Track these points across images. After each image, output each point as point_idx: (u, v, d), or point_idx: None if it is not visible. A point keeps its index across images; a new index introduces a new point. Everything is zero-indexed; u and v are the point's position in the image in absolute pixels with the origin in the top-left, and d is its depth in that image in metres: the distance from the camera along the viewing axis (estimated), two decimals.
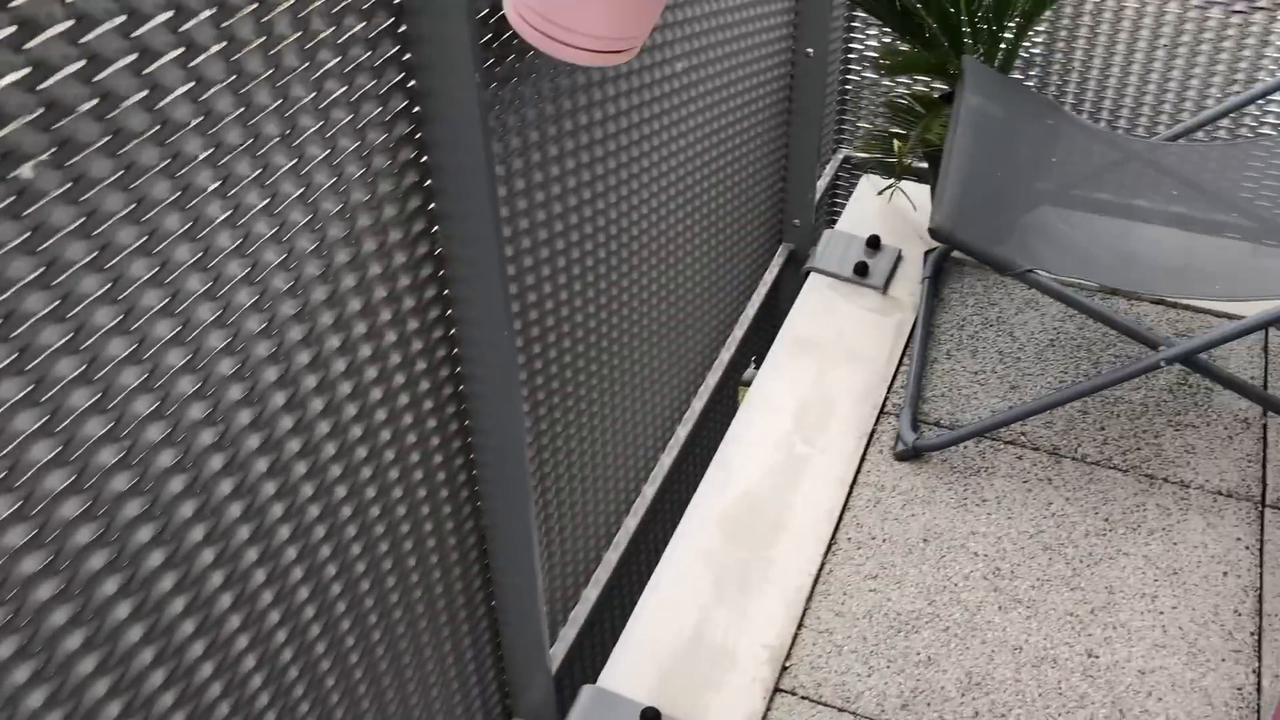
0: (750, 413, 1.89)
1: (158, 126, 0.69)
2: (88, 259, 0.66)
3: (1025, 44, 2.12)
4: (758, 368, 2.24)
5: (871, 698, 1.48)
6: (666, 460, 1.82)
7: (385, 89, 0.91)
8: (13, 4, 0.58)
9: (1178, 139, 2.04)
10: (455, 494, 1.18)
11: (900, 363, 2.00)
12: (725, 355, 2.05)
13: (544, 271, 1.24)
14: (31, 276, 0.62)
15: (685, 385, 1.89)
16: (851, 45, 2.35)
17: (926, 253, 2.22)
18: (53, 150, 0.62)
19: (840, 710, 1.47)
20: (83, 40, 0.62)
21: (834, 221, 2.56)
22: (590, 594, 1.59)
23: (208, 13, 0.71)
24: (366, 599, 1.05)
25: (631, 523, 1.71)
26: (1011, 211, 1.85)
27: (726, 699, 1.47)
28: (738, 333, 2.09)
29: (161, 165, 0.70)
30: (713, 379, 1.99)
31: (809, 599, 1.60)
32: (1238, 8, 1.92)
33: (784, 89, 2.03)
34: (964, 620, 1.56)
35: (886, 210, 2.31)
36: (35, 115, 0.60)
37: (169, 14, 0.68)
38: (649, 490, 1.76)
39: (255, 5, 0.75)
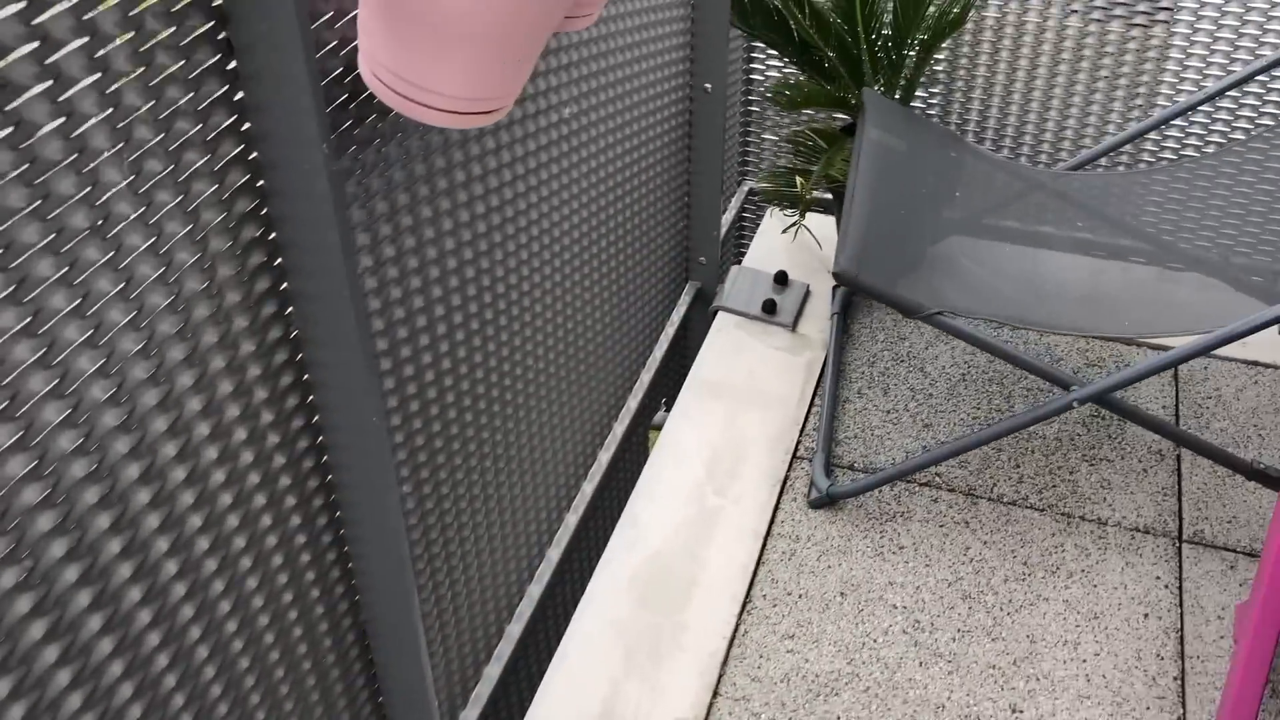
0: (660, 463, 1.81)
1: None
2: None
3: (925, 75, 2.09)
4: (668, 410, 2.17)
5: None
6: (572, 519, 1.74)
7: (221, 164, 0.82)
8: None
9: (1080, 168, 2.02)
10: (329, 592, 1.08)
11: (812, 403, 1.95)
12: (632, 402, 1.97)
13: (422, 341, 1.15)
14: None
15: (590, 438, 1.81)
16: (753, 76, 2.30)
17: (835, 287, 2.17)
18: None
19: None
20: None
21: (742, 253, 2.50)
22: (493, 671, 1.49)
23: None
24: (229, 714, 0.95)
25: (536, 589, 1.62)
26: (917, 249, 1.80)
27: None
28: (645, 377, 2.02)
29: None
30: (620, 428, 1.92)
31: (724, 664, 1.52)
32: (1137, 20, 1.90)
33: (683, 125, 1.96)
34: (884, 679, 1.50)
35: (794, 244, 2.26)
36: None
37: None
38: (554, 553, 1.68)
39: (50, 83, 0.66)
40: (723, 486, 1.78)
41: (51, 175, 0.67)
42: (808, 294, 2.17)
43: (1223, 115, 2.03)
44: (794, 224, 1.94)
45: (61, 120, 0.67)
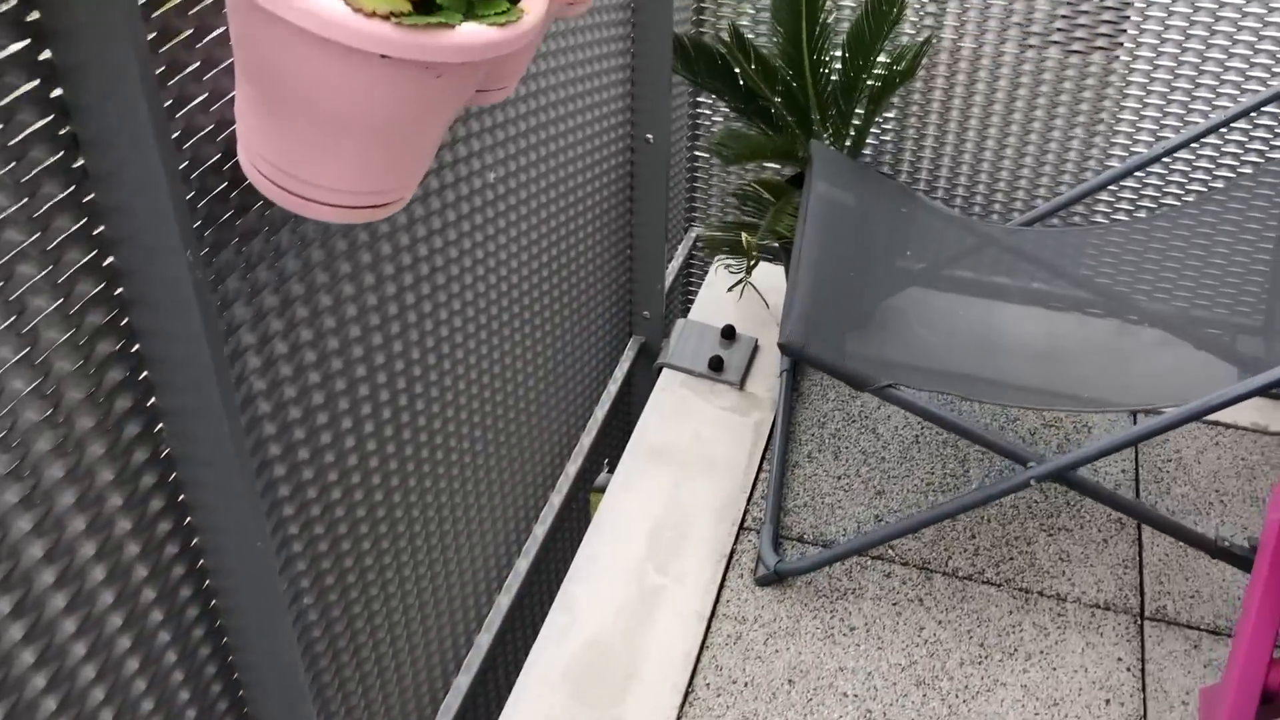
0: (598, 538, 1.71)
1: None
2: None
3: (875, 126, 2.01)
4: (611, 471, 2.08)
5: None
6: (505, 600, 1.63)
7: (68, 274, 0.72)
8: None
9: (1034, 223, 1.95)
10: None
11: (760, 468, 1.86)
12: (571, 468, 1.87)
13: (323, 439, 1.05)
14: None
15: (524, 511, 1.71)
16: (699, 121, 2.22)
17: (785, 301, 2.08)
18: None
19: None
20: None
21: (690, 302, 2.42)
22: None
23: None
24: None
25: (464, 680, 1.51)
26: (866, 313, 1.72)
27: None
28: (585, 441, 1.92)
29: None
30: (557, 498, 1.82)
31: None
32: (1075, 47, 1.84)
33: (624, 177, 1.87)
34: None
35: (741, 296, 2.18)
36: None
37: None
38: (484, 638, 1.57)
39: None
40: (665, 563, 1.68)
41: None
42: (756, 349, 2.09)
43: (1178, 171, 1.97)
44: (739, 282, 1.85)
45: None
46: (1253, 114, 1.82)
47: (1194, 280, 1.99)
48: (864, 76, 1.86)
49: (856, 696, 1.51)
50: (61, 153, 0.69)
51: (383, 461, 1.18)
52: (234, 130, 0.83)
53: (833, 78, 1.92)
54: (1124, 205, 2.04)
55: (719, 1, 2.05)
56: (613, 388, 2.02)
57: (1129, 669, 1.55)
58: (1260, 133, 1.89)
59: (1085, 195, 1.92)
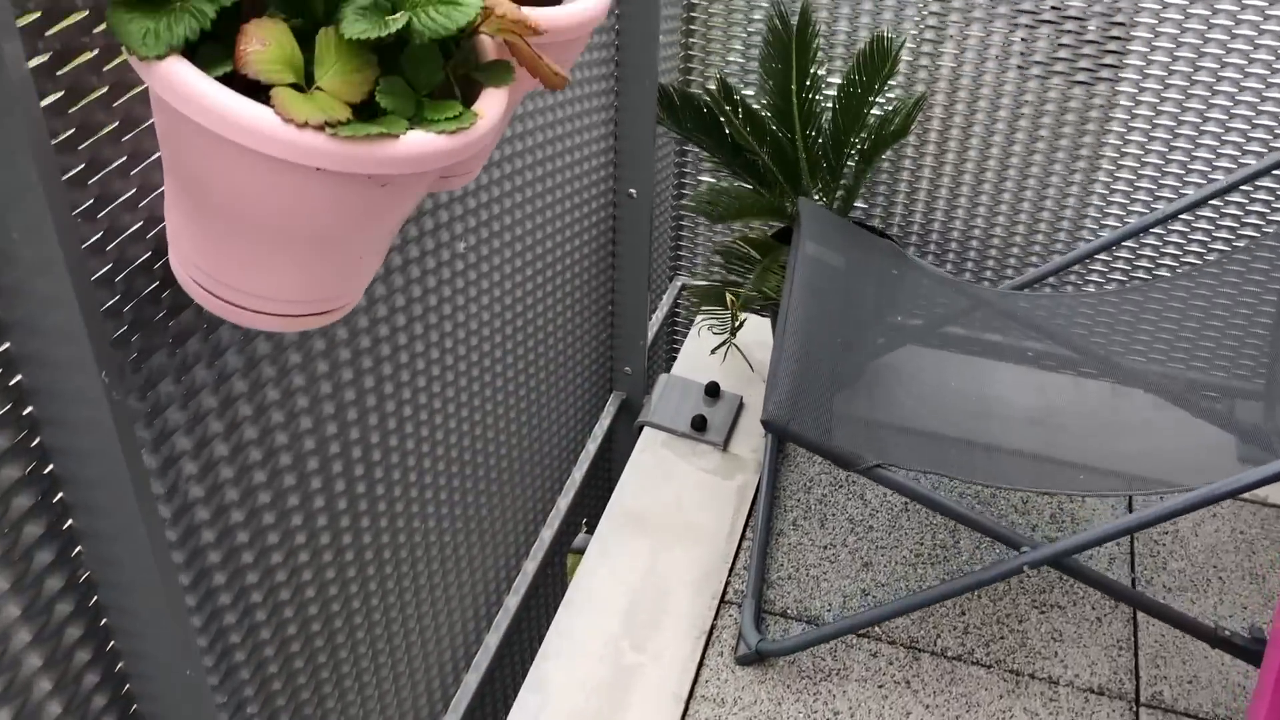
0: (573, 613, 1.64)
1: None
2: None
3: (866, 183, 1.95)
4: (590, 532, 2.01)
5: None
6: (472, 679, 1.56)
7: None
8: None
9: (1026, 287, 1.89)
10: None
11: (743, 536, 1.79)
12: (547, 534, 1.80)
13: (269, 539, 0.98)
14: None
15: (496, 582, 1.64)
16: (685, 173, 2.16)
17: (769, 373, 2.02)
18: None
19: None
20: None
21: (674, 354, 2.35)
22: None
23: None
24: None
25: None
26: (854, 380, 1.66)
27: None
28: (562, 504, 1.85)
29: None
30: (531, 565, 1.74)
31: None
32: (1079, 78, 1.79)
33: (607, 232, 1.81)
34: None
35: (725, 359, 2.11)
36: None
37: None
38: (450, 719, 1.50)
39: None
40: (642, 640, 1.61)
41: None
42: (741, 407, 2.02)
43: (1174, 238, 1.92)
44: (723, 343, 1.79)
45: None
46: (1252, 181, 1.76)
47: (1190, 344, 1.94)
48: (855, 132, 1.80)
49: None
50: None
51: (338, 553, 1.11)
52: (165, 226, 0.77)
53: (823, 133, 1.86)
54: (1119, 271, 1.99)
55: (707, 50, 2.00)
56: (592, 446, 1.95)
57: None
58: (1257, 206, 1.84)
59: (1079, 260, 1.86)
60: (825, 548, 1.77)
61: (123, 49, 0.60)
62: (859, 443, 1.49)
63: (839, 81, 1.90)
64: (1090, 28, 1.76)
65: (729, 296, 1.72)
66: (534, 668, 1.56)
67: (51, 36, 0.65)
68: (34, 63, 0.64)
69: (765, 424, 1.38)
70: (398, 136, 0.61)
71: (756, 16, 1.92)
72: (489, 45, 0.71)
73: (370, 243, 0.72)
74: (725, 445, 1.94)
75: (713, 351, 1.84)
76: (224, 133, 0.59)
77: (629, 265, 1.88)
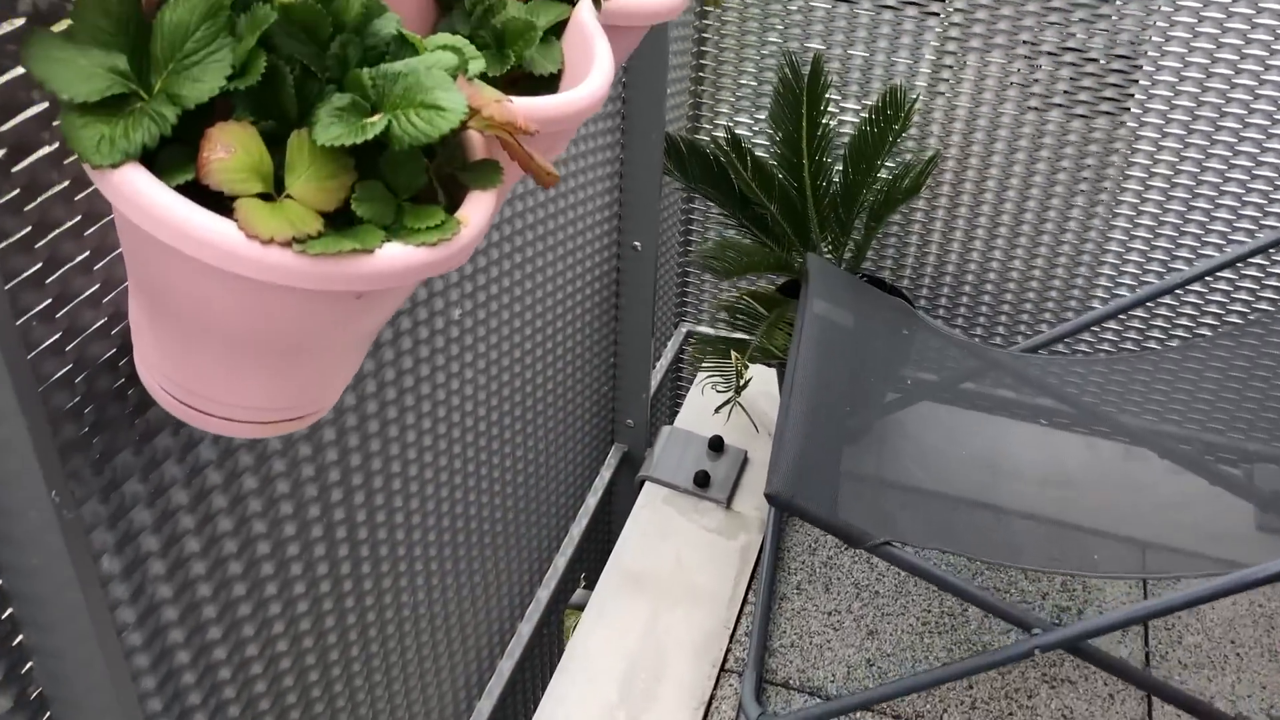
0: (568, 679, 1.59)
1: None
2: None
3: (875, 238, 1.91)
4: (588, 588, 1.96)
5: None
6: None
7: None
8: None
9: (1037, 350, 1.84)
10: None
11: (746, 599, 1.74)
12: (544, 594, 1.75)
13: (245, 631, 0.93)
14: None
15: (490, 647, 1.59)
16: (691, 221, 2.11)
17: (773, 443, 1.97)
18: None
19: None
20: None
21: (679, 400, 2.31)
22: None
23: None
24: None
25: None
26: (861, 451, 1.61)
27: None
28: (560, 562, 1.80)
29: None
30: (526, 627, 1.69)
31: None
32: (1079, 111, 1.74)
33: (610, 285, 1.77)
34: None
35: (729, 419, 2.06)
36: None
37: None
38: None
39: None
40: (638, 710, 1.55)
41: None
42: (745, 462, 1.97)
43: (1190, 304, 1.87)
44: (728, 403, 1.75)
45: None
46: (1271, 250, 1.71)
47: (1208, 406, 1.88)
48: (866, 187, 1.76)
49: None
50: None
51: (319, 637, 1.06)
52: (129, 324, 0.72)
53: (833, 187, 1.82)
54: (1132, 336, 1.93)
55: (716, 99, 1.96)
56: (591, 501, 1.90)
57: None
58: (1279, 269, 1.79)
59: (1092, 324, 1.81)
60: (830, 614, 1.72)
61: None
62: (866, 516, 1.43)
63: (851, 133, 1.85)
64: (1109, 84, 1.72)
65: (734, 354, 1.67)
66: None
67: (6, 131, 0.60)
68: None
69: (770, 498, 1.33)
70: (373, 251, 0.57)
71: (767, 66, 1.88)
72: (477, 140, 0.67)
73: (348, 349, 0.67)
74: (728, 503, 1.89)
75: (717, 410, 1.79)
76: (182, 249, 0.54)
77: (632, 317, 1.83)
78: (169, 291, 0.61)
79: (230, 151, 0.56)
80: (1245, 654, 1.68)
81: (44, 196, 0.63)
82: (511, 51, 0.80)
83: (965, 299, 1.98)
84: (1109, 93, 1.72)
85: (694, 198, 2.07)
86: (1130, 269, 1.85)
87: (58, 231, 0.65)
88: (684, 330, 2.27)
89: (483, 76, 0.70)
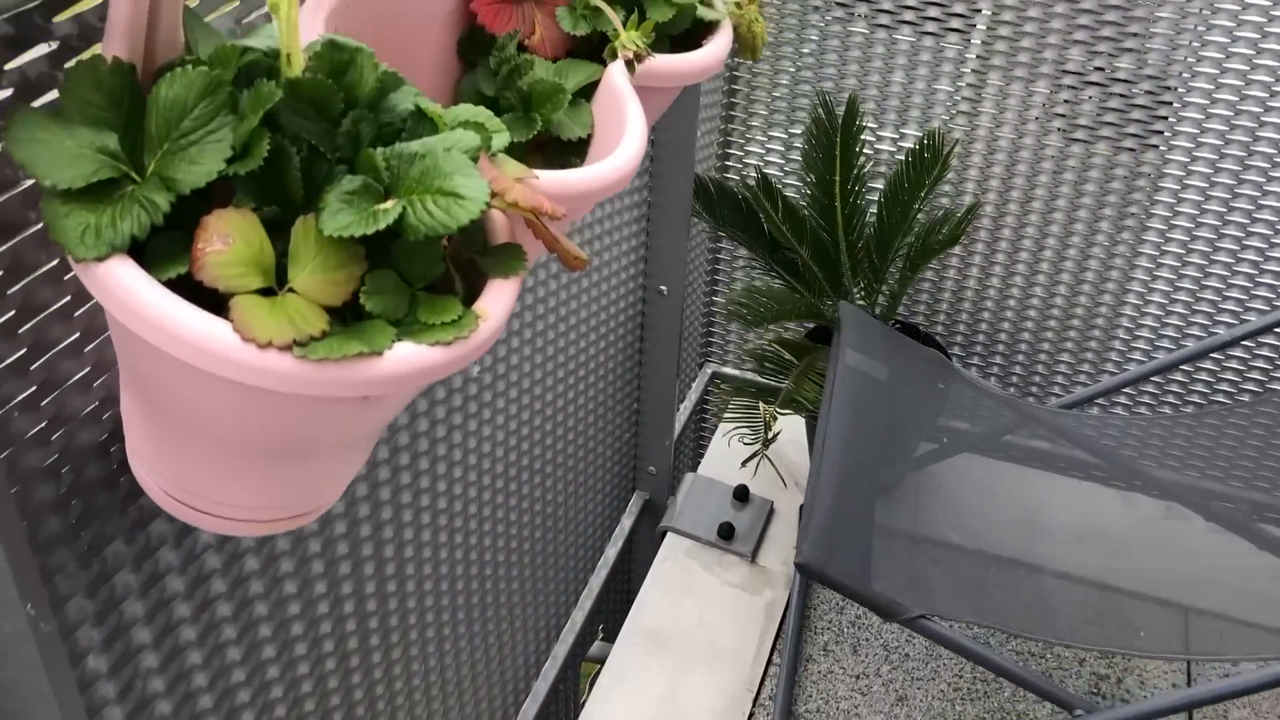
0: None
1: None
2: None
3: (910, 289, 1.84)
4: (606, 639, 1.90)
5: None
6: None
7: None
8: None
9: (1075, 406, 1.78)
10: None
11: (770, 660, 1.67)
12: (560, 649, 1.69)
13: (244, 718, 0.88)
14: None
15: (503, 706, 1.53)
16: (719, 265, 2.06)
17: (803, 507, 1.90)
18: None
19: None
20: None
21: (702, 444, 2.25)
22: None
23: None
24: None
25: None
26: (896, 509, 1.55)
27: None
28: (578, 616, 1.74)
29: None
30: (542, 685, 1.63)
31: None
32: (1127, 144, 1.67)
33: (635, 329, 1.71)
34: None
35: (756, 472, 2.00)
36: None
37: None
38: None
39: None
40: None
41: None
42: (771, 513, 1.91)
43: (1233, 365, 1.80)
44: (755, 456, 1.68)
45: None
46: None
47: (1252, 465, 1.81)
48: (901, 233, 1.70)
49: None
50: None
51: (324, 716, 1.01)
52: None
53: (867, 229, 1.76)
54: (1172, 395, 1.86)
55: (746, 137, 1.90)
56: (611, 552, 1.84)
57: None
58: None
59: (1131, 382, 1.74)
60: (857, 677, 1.65)
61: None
62: (900, 581, 1.37)
63: (886, 175, 1.80)
64: (1155, 134, 1.65)
65: (762, 407, 1.61)
66: None
67: None
68: None
69: (800, 567, 1.27)
70: (380, 354, 0.51)
71: (800, 105, 1.83)
72: (499, 220, 0.61)
73: (354, 447, 0.62)
74: (753, 556, 1.83)
75: (744, 464, 1.73)
76: (172, 352, 0.49)
77: (657, 362, 1.77)
78: (160, 390, 0.55)
79: (228, 243, 0.51)
80: None
81: (29, 278, 0.58)
82: (538, 115, 0.75)
83: (1000, 350, 1.91)
84: (1150, 125, 1.66)
85: (721, 237, 2.01)
86: (1172, 326, 1.78)
87: (44, 315, 0.60)
88: (709, 371, 2.22)
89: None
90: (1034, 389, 1.93)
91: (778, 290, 1.77)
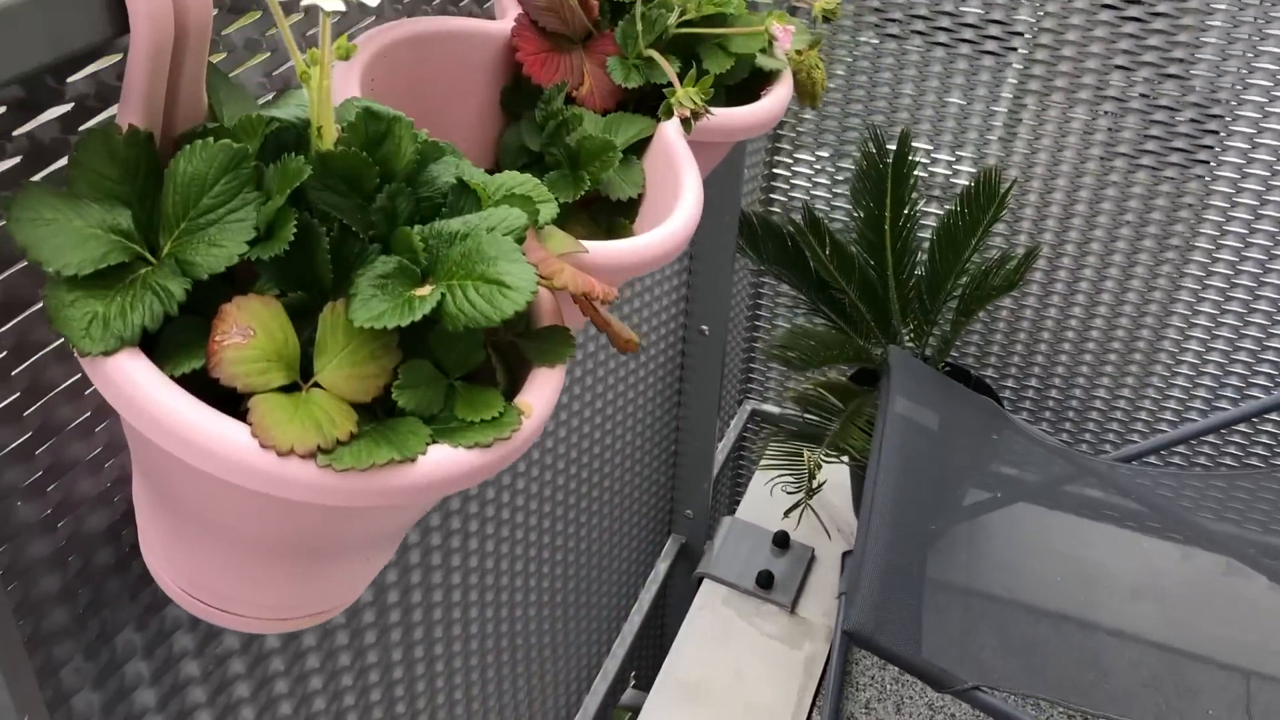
0: None
1: None
2: None
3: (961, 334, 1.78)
4: (639, 687, 1.84)
5: None
6: None
7: None
8: None
9: (1129, 460, 1.70)
10: None
11: (810, 717, 1.60)
12: (591, 703, 1.63)
13: None
14: None
15: None
16: (760, 298, 2.00)
17: (845, 554, 1.84)
18: None
19: None
20: None
21: (740, 487, 2.18)
22: None
23: None
24: None
25: None
26: (948, 562, 1.48)
27: None
28: (610, 665, 1.68)
29: None
30: None
31: None
32: (1168, 173, 1.60)
33: (674, 370, 1.66)
34: None
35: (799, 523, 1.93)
36: None
37: None
38: None
39: None
40: None
41: None
42: (812, 560, 1.84)
43: None
44: (798, 505, 1.62)
45: None
46: None
47: None
48: (954, 275, 1.63)
49: None
50: None
51: None
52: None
53: (918, 269, 1.70)
54: (1231, 453, 1.78)
55: (793, 170, 1.85)
56: (645, 597, 1.79)
57: None
58: None
59: (1189, 439, 1.67)
60: None
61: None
62: (951, 650, 1.30)
63: (939, 214, 1.74)
64: (1221, 175, 1.58)
65: (806, 454, 1.55)
66: None
67: None
68: None
69: (849, 635, 1.20)
70: (414, 460, 0.46)
71: (848, 139, 1.77)
72: (544, 299, 0.56)
73: (382, 544, 0.57)
74: (793, 607, 1.76)
75: (786, 514, 1.67)
76: (183, 457, 0.44)
77: (696, 404, 1.72)
78: (172, 487, 0.51)
79: (248, 336, 0.46)
80: None
81: (35, 357, 0.54)
82: (587, 174, 0.70)
83: (1053, 396, 1.84)
84: (1224, 184, 1.58)
85: (764, 279, 1.95)
86: (1233, 380, 1.71)
87: (52, 394, 0.55)
88: (748, 408, 2.16)
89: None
90: (1086, 439, 1.86)
91: (823, 332, 1.71)
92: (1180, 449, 1.80)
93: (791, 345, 1.66)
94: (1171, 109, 1.55)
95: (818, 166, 1.82)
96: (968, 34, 1.60)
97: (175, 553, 0.56)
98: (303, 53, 0.65)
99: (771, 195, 1.87)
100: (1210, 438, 1.76)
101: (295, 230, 0.47)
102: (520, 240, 0.50)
